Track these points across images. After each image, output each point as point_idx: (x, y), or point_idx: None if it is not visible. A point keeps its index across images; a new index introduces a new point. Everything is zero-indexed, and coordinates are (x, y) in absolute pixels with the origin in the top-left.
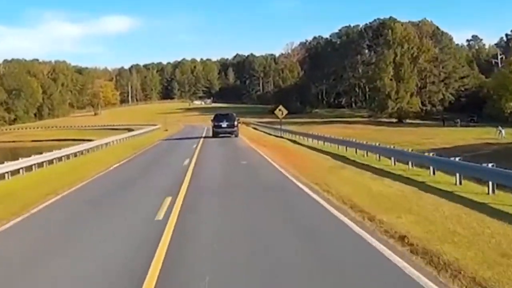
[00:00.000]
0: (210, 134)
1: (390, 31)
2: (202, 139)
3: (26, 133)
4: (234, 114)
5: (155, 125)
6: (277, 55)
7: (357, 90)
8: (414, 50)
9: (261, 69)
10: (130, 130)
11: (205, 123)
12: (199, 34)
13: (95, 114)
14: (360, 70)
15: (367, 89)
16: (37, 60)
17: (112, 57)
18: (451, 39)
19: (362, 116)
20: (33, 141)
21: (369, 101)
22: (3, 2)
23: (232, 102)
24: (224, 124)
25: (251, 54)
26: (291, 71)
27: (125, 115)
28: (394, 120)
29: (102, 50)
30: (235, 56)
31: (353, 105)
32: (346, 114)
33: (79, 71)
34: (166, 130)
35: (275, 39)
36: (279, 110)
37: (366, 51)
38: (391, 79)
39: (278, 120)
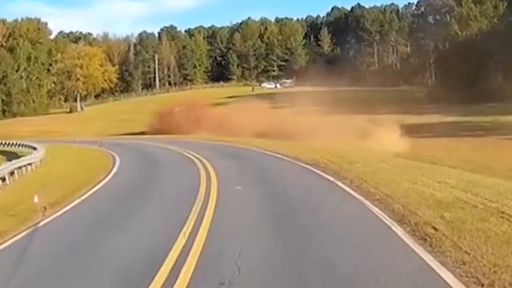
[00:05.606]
0: None
1: None
2: None
3: None
4: None
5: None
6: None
7: None
8: None
9: (376, 28)
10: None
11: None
12: None
13: (71, 111)
14: None
15: None
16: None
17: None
18: None
19: None
20: None
21: None
22: None
23: (329, 84)
24: None
25: (358, 5)
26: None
27: (126, 113)
28: None
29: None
30: (331, 11)
31: None
32: None
33: (75, 39)
34: None
35: None
36: None
37: None
38: None
39: None
